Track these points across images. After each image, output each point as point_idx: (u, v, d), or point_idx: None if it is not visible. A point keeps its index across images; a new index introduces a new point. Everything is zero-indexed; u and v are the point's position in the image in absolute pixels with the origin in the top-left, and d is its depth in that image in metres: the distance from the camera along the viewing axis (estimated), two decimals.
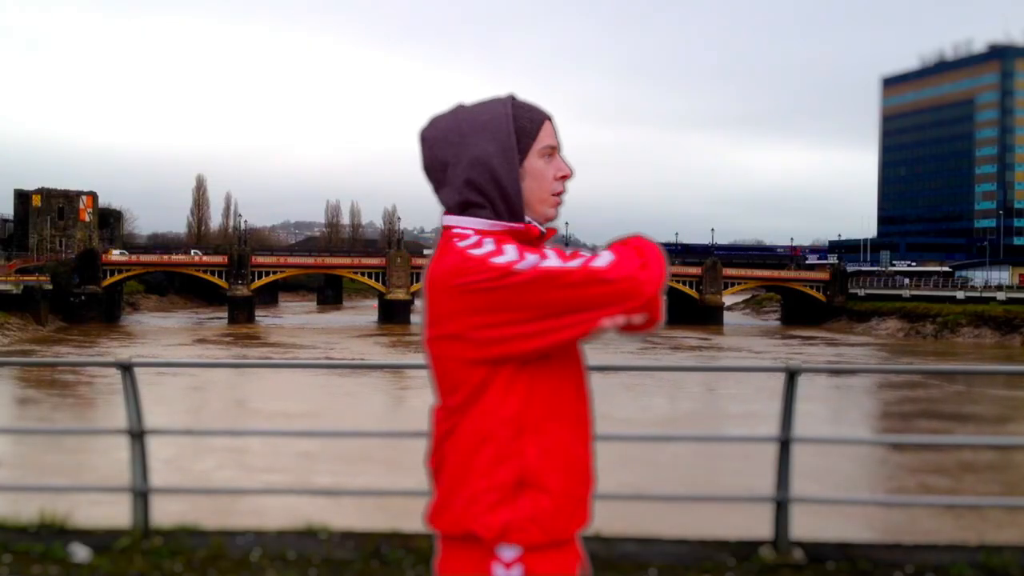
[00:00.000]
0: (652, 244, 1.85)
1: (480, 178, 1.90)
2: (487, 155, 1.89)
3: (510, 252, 1.81)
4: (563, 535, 1.87)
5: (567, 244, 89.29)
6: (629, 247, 1.83)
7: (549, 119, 1.97)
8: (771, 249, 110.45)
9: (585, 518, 1.92)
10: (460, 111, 1.96)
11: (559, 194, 1.97)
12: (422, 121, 2.02)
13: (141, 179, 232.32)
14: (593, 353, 2.05)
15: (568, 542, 1.90)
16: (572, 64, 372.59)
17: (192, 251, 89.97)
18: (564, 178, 1.96)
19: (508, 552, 1.81)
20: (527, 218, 1.92)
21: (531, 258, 1.79)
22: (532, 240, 1.90)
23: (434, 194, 1.97)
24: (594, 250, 1.90)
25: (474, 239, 1.85)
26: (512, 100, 1.96)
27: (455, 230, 1.89)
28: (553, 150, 1.96)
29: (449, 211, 1.93)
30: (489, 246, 1.82)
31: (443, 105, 2.03)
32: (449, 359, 1.88)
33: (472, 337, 1.82)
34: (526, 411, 1.84)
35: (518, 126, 1.92)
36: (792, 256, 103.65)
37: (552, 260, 1.80)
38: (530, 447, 1.83)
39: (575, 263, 1.80)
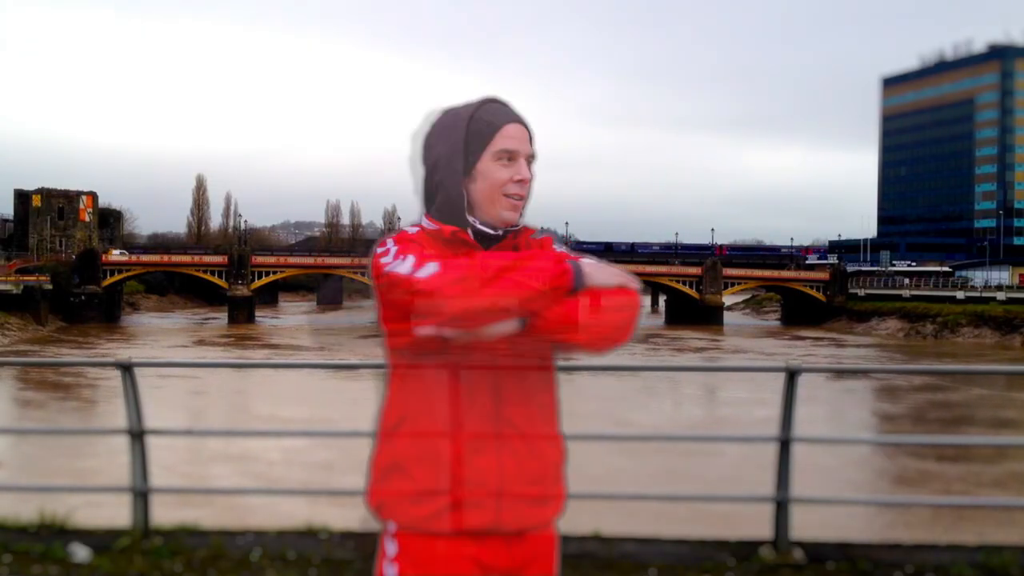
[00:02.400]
0: (479, 265, 1.83)
1: (430, 179, 2.02)
2: (438, 157, 2.00)
3: (391, 253, 1.92)
4: (431, 526, 1.93)
5: (567, 244, 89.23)
6: (465, 263, 1.85)
7: (516, 123, 2.00)
8: (775, 249, 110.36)
9: (468, 521, 1.92)
10: (441, 113, 2.07)
11: (514, 196, 1.98)
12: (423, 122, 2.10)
13: (141, 179, 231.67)
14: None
15: (456, 537, 1.93)
16: (573, 66, 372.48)
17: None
18: (521, 182, 1.99)
19: (391, 526, 1.98)
20: (472, 219, 1.99)
21: (402, 264, 1.88)
22: (458, 242, 1.96)
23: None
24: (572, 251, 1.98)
25: (389, 238, 1.99)
26: (485, 102, 2.01)
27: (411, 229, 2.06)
28: (512, 154, 1.98)
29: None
30: (390, 245, 1.94)
31: (443, 106, 2.08)
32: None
33: (381, 331, 1.99)
34: (404, 404, 1.98)
35: (473, 129, 1.97)
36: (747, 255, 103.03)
37: (405, 266, 1.87)
38: (403, 437, 1.97)
39: (415, 272, 1.86)
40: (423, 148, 2.04)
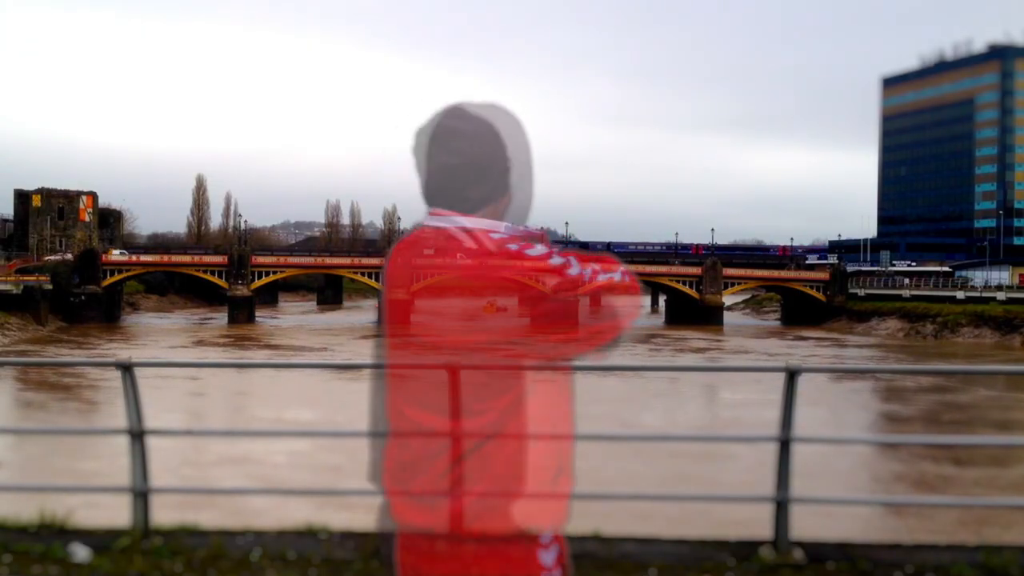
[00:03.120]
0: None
1: (524, 184, 2.02)
2: (523, 162, 2.02)
3: (574, 264, 1.95)
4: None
5: (565, 244, 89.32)
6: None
7: None
8: (766, 249, 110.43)
9: None
10: (495, 113, 1.99)
11: None
12: (422, 120, 2.01)
13: (141, 179, 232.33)
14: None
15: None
16: (573, 66, 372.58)
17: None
18: None
19: (546, 536, 1.96)
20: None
21: (587, 269, 1.97)
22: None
23: (453, 188, 1.96)
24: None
25: (540, 249, 1.93)
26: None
27: (493, 233, 1.93)
28: None
29: (463, 210, 1.94)
30: (558, 258, 1.93)
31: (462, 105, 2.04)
32: (504, 365, 1.93)
33: (539, 343, 1.94)
34: (563, 410, 2.00)
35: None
36: (767, 255, 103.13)
37: (580, 266, 1.98)
38: (565, 441, 2.00)
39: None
40: (508, 148, 1.98)
